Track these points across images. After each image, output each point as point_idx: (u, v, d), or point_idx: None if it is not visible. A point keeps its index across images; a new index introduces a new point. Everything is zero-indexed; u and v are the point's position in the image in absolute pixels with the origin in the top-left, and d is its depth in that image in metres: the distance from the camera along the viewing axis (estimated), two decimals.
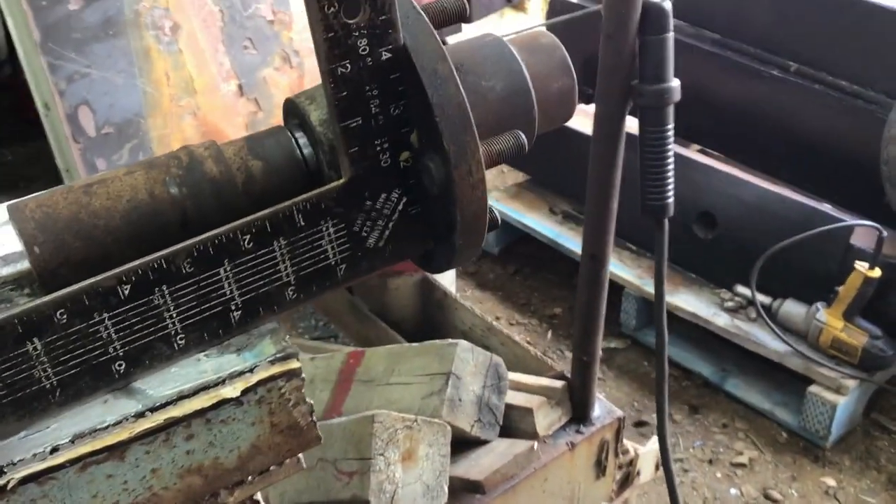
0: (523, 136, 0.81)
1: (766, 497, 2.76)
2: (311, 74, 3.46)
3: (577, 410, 2.01)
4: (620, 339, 3.30)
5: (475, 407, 1.90)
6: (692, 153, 3.22)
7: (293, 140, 0.84)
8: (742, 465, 2.86)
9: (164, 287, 0.77)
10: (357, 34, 0.77)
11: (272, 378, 0.78)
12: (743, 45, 3.19)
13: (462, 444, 1.91)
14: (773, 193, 2.93)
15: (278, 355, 0.79)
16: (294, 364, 0.78)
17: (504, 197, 3.70)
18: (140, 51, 2.89)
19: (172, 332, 0.79)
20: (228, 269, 0.80)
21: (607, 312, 1.93)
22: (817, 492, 2.76)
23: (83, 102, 2.89)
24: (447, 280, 2.62)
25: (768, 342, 2.91)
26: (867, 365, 2.73)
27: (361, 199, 0.84)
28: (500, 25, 4.70)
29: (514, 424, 1.98)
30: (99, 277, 0.75)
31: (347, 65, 0.78)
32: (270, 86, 3.35)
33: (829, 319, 2.76)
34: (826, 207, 2.87)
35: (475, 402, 1.90)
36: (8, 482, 0.71)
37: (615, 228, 1.77)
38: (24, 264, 0.87)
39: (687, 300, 3.08)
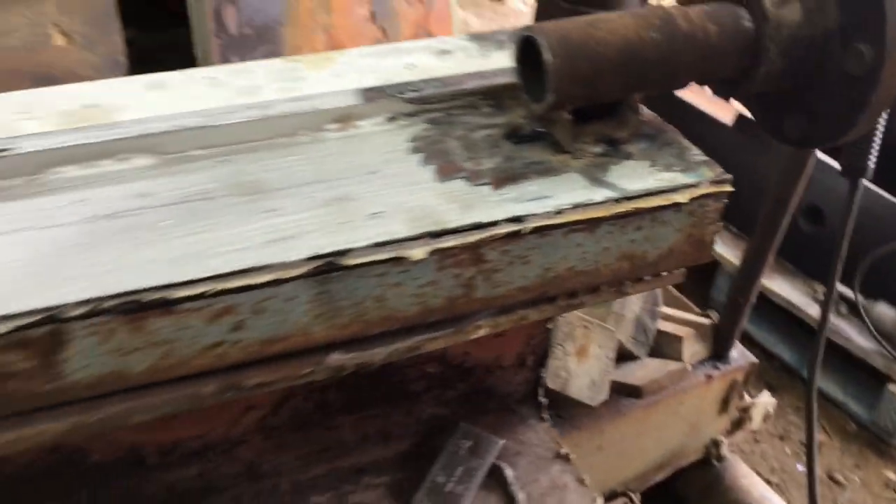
0: None
1: (830, 478, 2.96)
2: (437, 12, 3.62)
3: (718, 348, 2.21)
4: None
5: (633, 325, 2.09)
6: None
7: (741, 14, 1.02)
8: None
9: None
10: None
11: (707, 196, 0.97)
12: None
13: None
14: (884, 198, 3.09)
15: (716, 178, 0.97)
16: (727, 188, 0.97)
17: None
18: None
19: None
20: None
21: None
22: (878, 482, 2.96)
23: (230, 1, 3.07)
24: None
25: (854, 337, 3.10)
26: None
27: None
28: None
29: (661, 349, 2.17)
30: None
31: None
32: (400, 18, 3.52)
33: None
34: None
35: (634, 321, 2.09)
36: (522, 229, 0.90)
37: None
38: (495, 80, 1.06)
39: (781, 287, 3.26)
